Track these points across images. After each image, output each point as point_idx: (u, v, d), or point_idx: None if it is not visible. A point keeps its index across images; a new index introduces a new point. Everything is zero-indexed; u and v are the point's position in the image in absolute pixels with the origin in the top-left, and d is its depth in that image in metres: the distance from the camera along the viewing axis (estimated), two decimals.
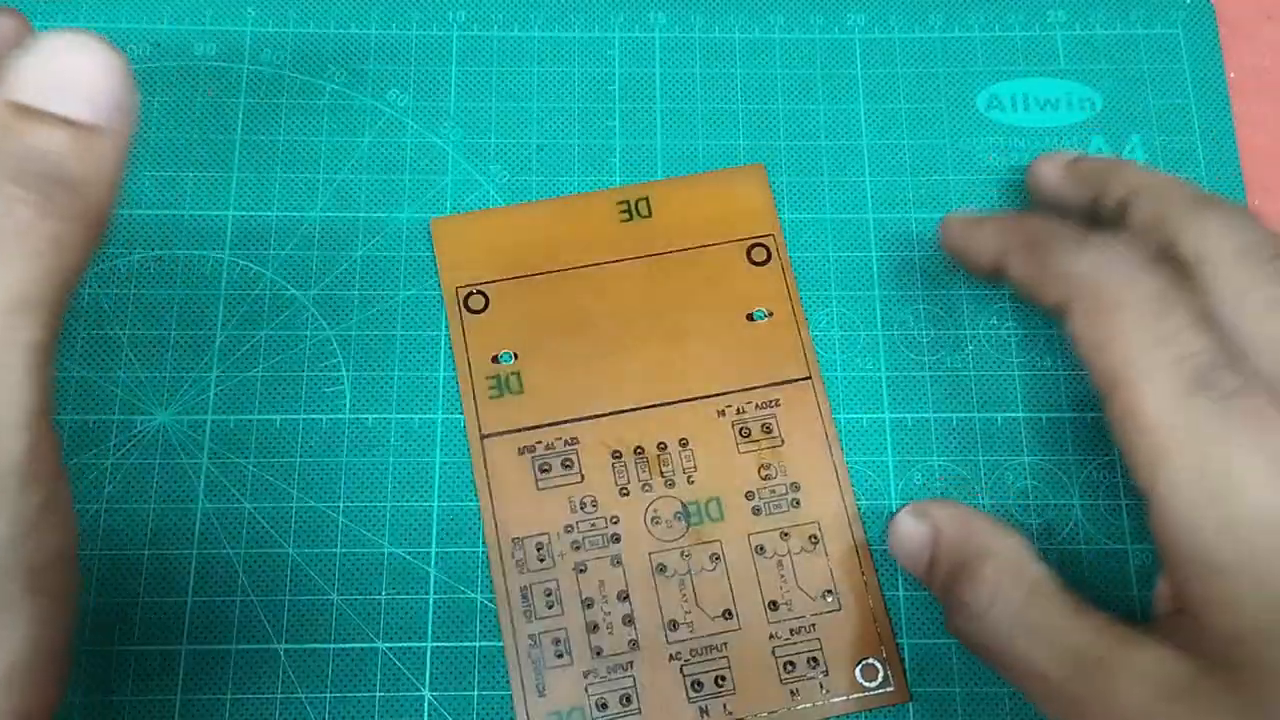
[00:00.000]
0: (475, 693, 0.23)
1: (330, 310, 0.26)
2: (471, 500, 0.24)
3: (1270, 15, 0.29)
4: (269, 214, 0.26)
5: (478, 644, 0.24)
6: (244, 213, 0.26)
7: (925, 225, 0.27)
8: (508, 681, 0.23)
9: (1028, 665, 0.19)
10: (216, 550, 0.24)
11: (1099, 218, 0.23)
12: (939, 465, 0.25)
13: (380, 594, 0.24)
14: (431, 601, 0.24)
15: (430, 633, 0.24)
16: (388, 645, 0.23)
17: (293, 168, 0.27)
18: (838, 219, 0.27)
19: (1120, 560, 0.24)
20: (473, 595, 0.24)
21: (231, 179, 0.27)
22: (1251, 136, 0.28)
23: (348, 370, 0.25)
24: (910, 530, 0.22)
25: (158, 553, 0.24)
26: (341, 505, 0.24)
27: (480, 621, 0.24)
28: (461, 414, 0.25)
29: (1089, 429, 0.25)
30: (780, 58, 0.28)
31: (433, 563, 0.24)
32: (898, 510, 0.23)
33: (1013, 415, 0.25)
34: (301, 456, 0.25)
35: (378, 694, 0.23)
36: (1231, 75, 0.28)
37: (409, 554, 0.24)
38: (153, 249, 0.26)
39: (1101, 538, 0.24)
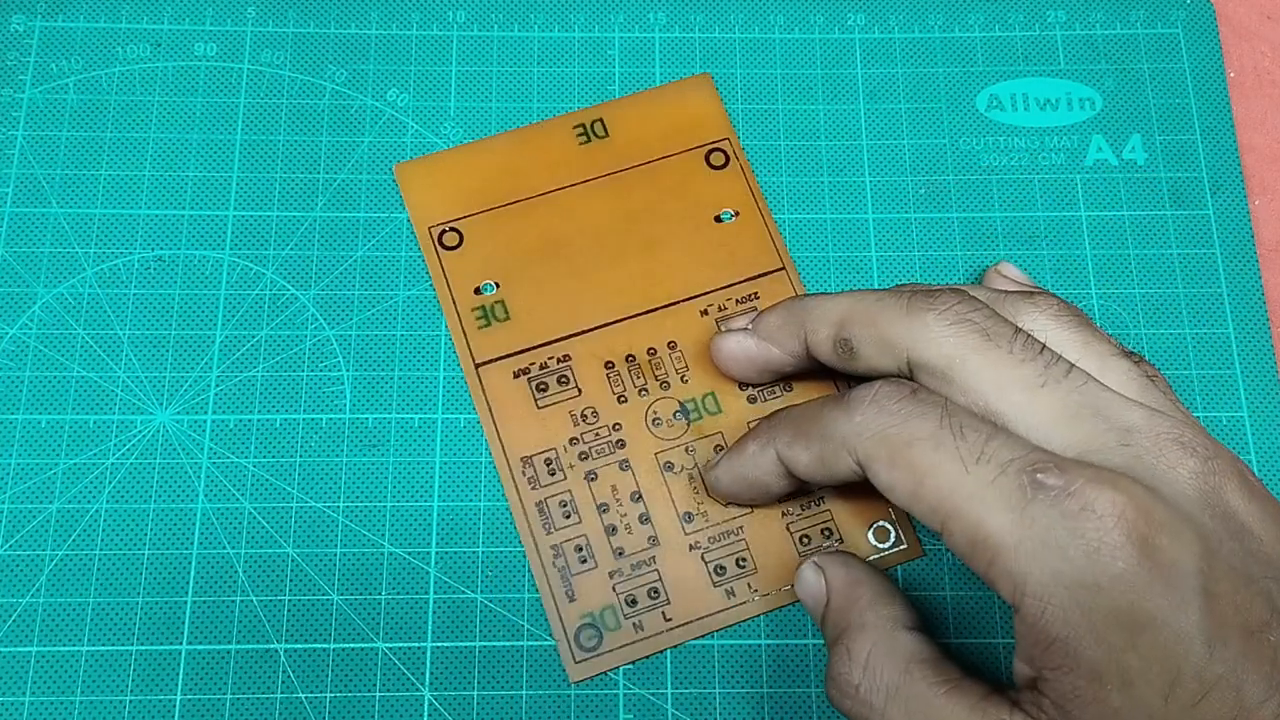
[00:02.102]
0: (475, 692, 0.23)
1: (330, 310, 0.26)
2: (474, 501, 0.24)
3: (1270, 15, 0.29)
4: (269, 214, 0.26)
5: (478, 644, 0.24)
6: (244, 212, 0.26)
7: (925, 226, 0.27)
8: (508, 681, 0.23)
9: None
10: (216, 550, 0.24)
11: (814, 361, 0.23)
12: None
13: (380, 594, 0.24)
14: (431, 601, 0.24)
15: (430, 633, 0.24)
16: (388, 645, 0.23)
17: (293, 167, 0.27)
18: (838, 219, 0.27)
19: None
20: (473, 595, 0.24)
21: (232, 179, 0.27)
22: (1251, 136, 0.28)
23: (348, 370, 0.25)
24: (807, 585, 0.22)
25: (158, 552, 0.24)
26: (341, 505, 0.24)
27: (480, 621, 0.24)
28: (461, 414, 0.25)
29: None
30: (780, 58, 0.28)
31: (432, 563, 0.24)
32: (805, 560, 0.23)
33: None
34: (301, 456, 0.25)
35: (377, 694, 0.23)
36: (1231, 75, 0.28)
37: (409, 554, 0.24)
38: (153, 249, 0.26)
39: None
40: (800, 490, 0.23)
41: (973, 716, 0.18)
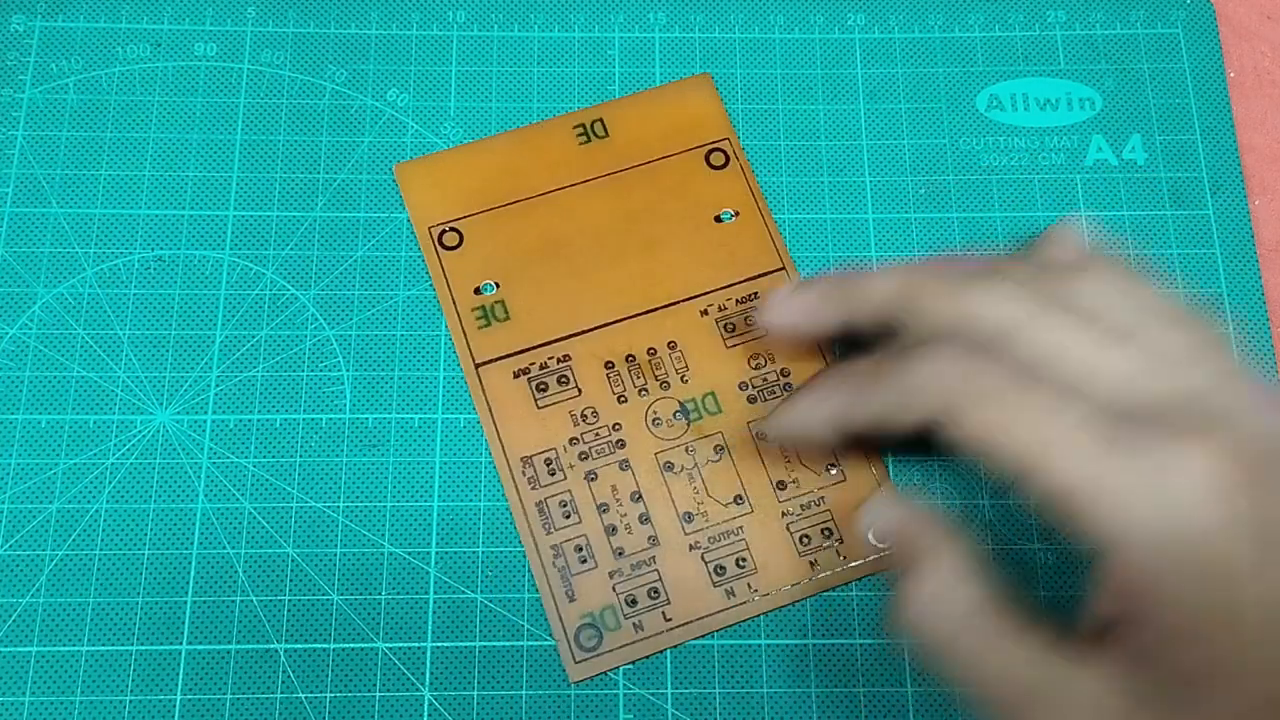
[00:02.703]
0: (475, 692, 0.23)
1: (330, 310, 0.26)
2: (474, 501, 0.24)
3: (1270, 15, 0.29)
4: (269, 214, 0.26)
5: (478, 644, 0.24)
6: (244, 212, 0.26)
7: (925, 226, 0.27)
8: (508, 681, 0.23)
9: (968, 676, 0.19)
10: (216, 550, 0.24)
11: (859, 333, 0.22)
12: (938, 465, 0.25)
13: (380, 594, 0.24)
14: (431, 601, 0.24)
15: (430, 633, 0.24)
16: (387, 645, 0.23)
17: (293, 167, 0.27)
18: (838, 219, 0.27)
19: None
20: (473, 595, 0.24)
21: (232, 179, 0.27)
22: (1251, 136, 0.28)
23: (348, 370, 0.25)
24: (879, 515, 0.22)
25: (158, 552, 0.24)
26: (341, 505, 0.24)
27: (480, 621, 0.24)
28: (461, 414, 0.25)
29: None
30: (780, 58, 0.28)
31: (432, 563, 0.24)
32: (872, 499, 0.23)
33: None
34: (301, 456, 0.25)
35: (377, 694, 0.23)
36: (1231, 75, 0.28)
37: (409, 554, 0.24)
38: (153, 249, 0.26)
39: None
40: (853, 443, 0.23)
41: (1045, 657, 0.18)
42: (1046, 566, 0.24)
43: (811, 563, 0.24)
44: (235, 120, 0.27)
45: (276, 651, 0.23)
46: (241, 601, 0.24)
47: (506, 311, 0.25)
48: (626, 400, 0.25)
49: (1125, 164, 0.27)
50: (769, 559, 0.24)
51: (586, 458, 0.24)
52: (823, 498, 0.24)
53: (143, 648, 0.23)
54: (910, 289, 0.21)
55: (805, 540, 0.24)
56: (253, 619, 0.23)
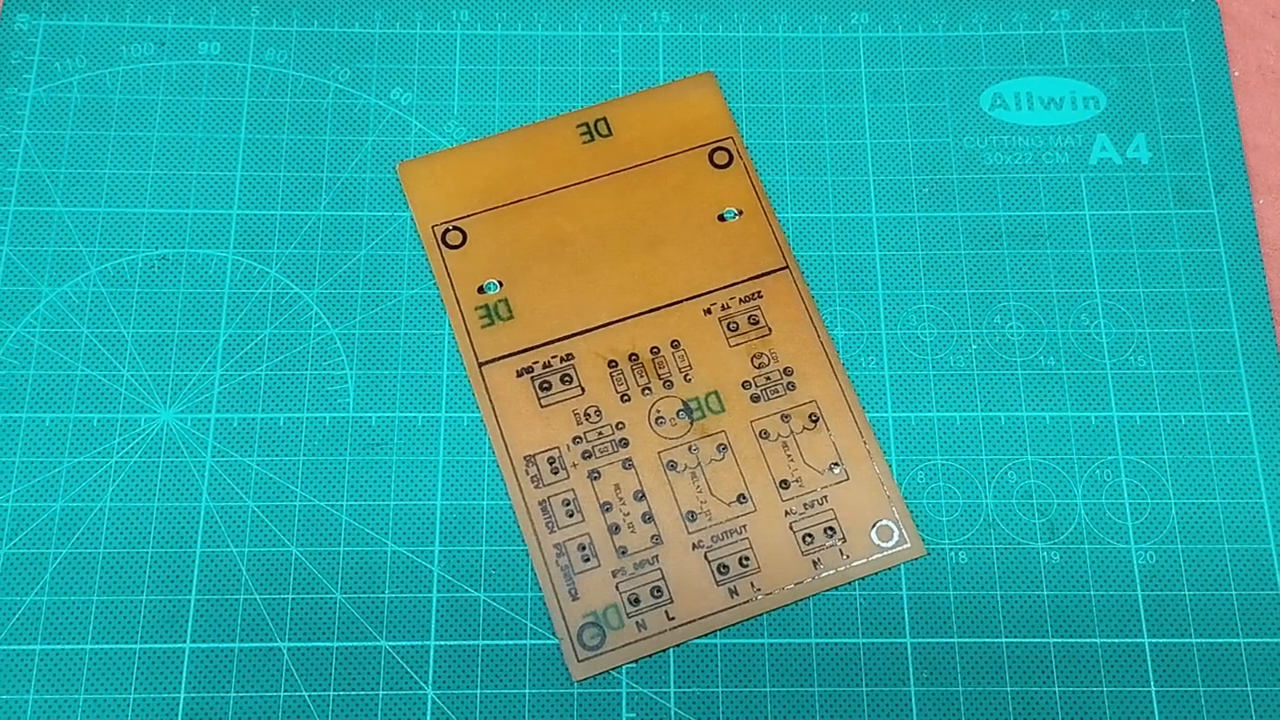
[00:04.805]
0: (478, 691, 0.23)
1: (334, 309, 0.26)
2: (477, 500, 0.24)
3: (1275, 14, 0.29)
4: (273, 213, 0.26)
5: (480, 642, 0.24)
6: (248, 211, 0.26)
7: (929, 224, 0.27)
8: (511, 680, 0.23)
9: None
10: (220, 548, 0.24)
11: None
12: (941, 464, 0.25)
13: (384, 592, 0.24)
14: (434, 600, 0.24)
15: (433, 631, 0.24)
16: (391, 643, 0.23)
17: (297, 166, 0.27)
18: (841, 218, 0.27)
19: (1124, 560, 0.24)
20: (476, 594, 0.24)
21: (236, 177, 0.27)
22: (1256, 135, 0.28)
23: (351, 368, 0.25)
24: None
25: (161, 551, 0.24)
26: (345, 504, 0.24)
27: (484, 620, 0.24)
28: (464, 413, 0.25)
29: (1092, 428, 0.25)
30: (783, 57, 0.28)
31: (436, 561, 0.24)
32: None
33: (1016, 414, 0.25)
34: (305, 455, 0.25)
35: (381, 692, 0.23)
36: (1236, 74, 0.28)
37: (412, 552, 0.24)
38: (157, 247, 0.26)
39: (1105, 537, 0.24)
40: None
41: None
42: (1050, 566, 0.24)
43: (815, 562, 0.24)
44: (239, 119, 0.27)
45: (280, 649, 0.23)
46: (245, 600, 0.24)
47: (510, 310, 0.26)
48: (629, 399, 0.25)
49: (1129, 163, 0.27)
50: (772, 558, 0.24)
51: (590, 456, 0.24)
52: (826, 496, 0.24)
53: (146, 646, 0.23)
54: None
55: (808, 539, 0.24)
56: (256, 617, 0.24)
